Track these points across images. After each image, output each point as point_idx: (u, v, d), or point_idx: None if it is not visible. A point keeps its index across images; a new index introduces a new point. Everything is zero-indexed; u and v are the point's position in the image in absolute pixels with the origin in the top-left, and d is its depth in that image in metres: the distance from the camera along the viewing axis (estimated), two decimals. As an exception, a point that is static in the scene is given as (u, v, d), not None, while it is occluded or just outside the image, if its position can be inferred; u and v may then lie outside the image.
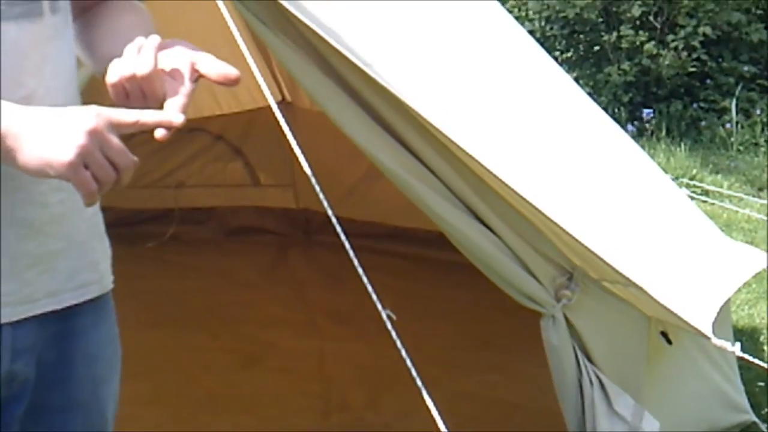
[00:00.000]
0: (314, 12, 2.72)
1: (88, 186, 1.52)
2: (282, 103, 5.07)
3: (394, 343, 2.58)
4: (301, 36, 2.74)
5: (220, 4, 2.64)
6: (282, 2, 2.69)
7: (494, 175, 2.72)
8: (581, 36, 8.50)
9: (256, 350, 4.15)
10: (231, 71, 1.64)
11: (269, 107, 4.84)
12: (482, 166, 2.71)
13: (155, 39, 1.63)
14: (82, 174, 1.51)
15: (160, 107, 1.62)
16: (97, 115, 1.53)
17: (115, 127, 1.54)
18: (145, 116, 1.56)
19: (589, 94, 7.56)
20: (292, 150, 2.69)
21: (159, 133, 1.57)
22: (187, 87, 1.63)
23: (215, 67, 1.64)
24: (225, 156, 5.39)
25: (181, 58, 1.64)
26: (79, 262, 1.77)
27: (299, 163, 2.72)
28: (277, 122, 2.74)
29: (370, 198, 4.96)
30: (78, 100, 1.79)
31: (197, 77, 1.65)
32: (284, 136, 2.75)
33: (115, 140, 1.53)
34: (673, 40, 8.35)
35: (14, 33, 1.66)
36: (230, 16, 2.67)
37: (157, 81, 1.62)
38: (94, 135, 1.52)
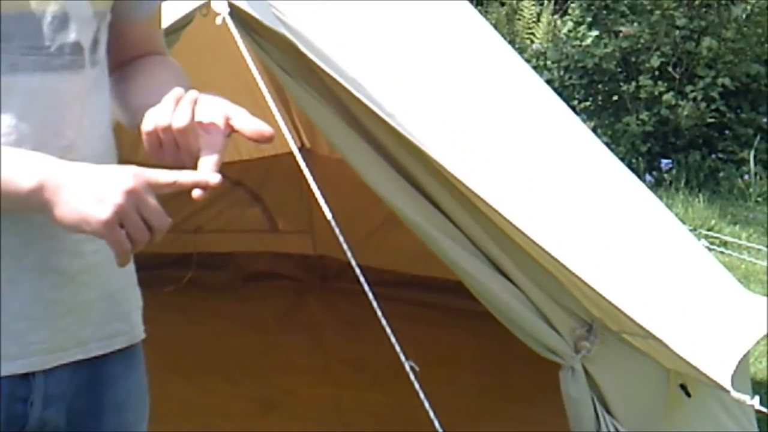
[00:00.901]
0: (337, 62, 2.76)
1: (122, 245, 1.55)
2: (301, 150, 5.10)
3: (412, 391, 2.59)
4: (323, 85, 2.78)
5: (245, 53, 2.68)
6: (305, 52, 2.73)
7: (515, 227, 2.75)
8: (600, 86, 8.54)
9: (274, 396, 4.16)
10: (265, 129, 1.66)
11: (288, 153, 4.89)
12: (503, 217, 2.74)
13: (193, 93, 1.65)
14: (117, 233, 1.55)
15: (193, 159, 1.64)
16: (135, 175, 1.56)
17: (153, 187, 1.57)
18: (182, 177, 1.59)
19: (607, 143, 7.59)
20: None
21: (196, 194, 1.60)
22: (221, 142, 1.65)
23: (249, 124, 1.66)
24: (243, 201, 5.42)
25: (216, 112, 1.66)
26: (111, 312, 1.79)
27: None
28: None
29: (387, 246, 4.98)
30: (115, 152, 1.82)
31: (231, 132, 1.66)
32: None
33: (151, 201, 1.56)
34: (692, 91, 8.39)
35: (56, 84, 1.69)
36: (253, 64, 2.71)
37: (192, 134, 1.63)
38: (132, 195, 1.55)
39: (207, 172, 1.61)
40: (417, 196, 2.85)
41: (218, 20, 2.65)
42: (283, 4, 2.78)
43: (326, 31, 2.83)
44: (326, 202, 2.74)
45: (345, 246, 2.70)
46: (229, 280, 5.37)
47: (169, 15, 2.60)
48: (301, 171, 4.32)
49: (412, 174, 2.83)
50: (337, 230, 2.73)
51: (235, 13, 2.67)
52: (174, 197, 1.62)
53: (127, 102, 1.82)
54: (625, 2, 8.51)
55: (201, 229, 5.31)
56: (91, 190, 1.55)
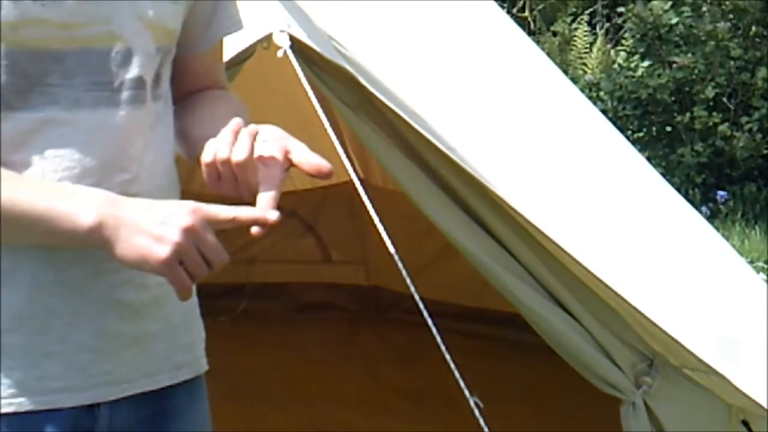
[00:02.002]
0: (397, 94, 2.77)
1: (182, 282, 1.58)
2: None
3: (468, 424, 2.59)
4: (383, 118, 2.79)
5: (305, 85, 2.70)
6: (365, 85, 2.75)
7: (575, 260, 2.74)
8: (654, 116, 8.52)
9: (328, 428, 4.17)
10: (324, 164, 1.66)
11: (343, 184, 4.92)
12: (563, 250, 2.74)
13: (253, 126, 1.66)
14: (177, 271, 1.57)
15: (251, 193, 1.64)
16: (193, 212, 1.58)
17: (211, 223, 1.58)
18: (241, 213, 1.59)
19: (662, 174, 7.55)
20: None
21: (254, 230, 1.60)
22: (280, 177, 1.65)
23: (309, 159, 1.66)
24: (297, 232, 5.45)
25: (275, 146, 1.67)
26: (176, 343, 1.81)
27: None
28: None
29: (441, 277, 4.98)
30: (177, 185, 1.84)
31: (289, 167, 1.67)
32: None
33: (210, 238, 1.58)
34: (747, 122, 8.35)
35: (119, 119, 1.71)
36: (314, 96, 2.73)
37: (250, 168, 1.64)
38: (190, 233, 1.57)
39: (265, 208, 1.62)
40: (476, 228, 2.86)
41: (279, 53, 2.68)
42: (344, 37, 2.81)
43: (386, 64, 2.85)
44: (379, 233, 2.76)
45: (405, 274, 2.71)
46: (282, 311, 5.39)
47: (231, 48, 2.63)
48: (355, 202, 4.33)
49: (471, 206, 2.84)
50: (397, 258, 2.73)
51: (296, 46, 2.69)
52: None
53: (186, 134, 1.84)
54: (679, 33, 8.49)
55: (255, 259, 5.34)
56: (150, 229, 1.57)
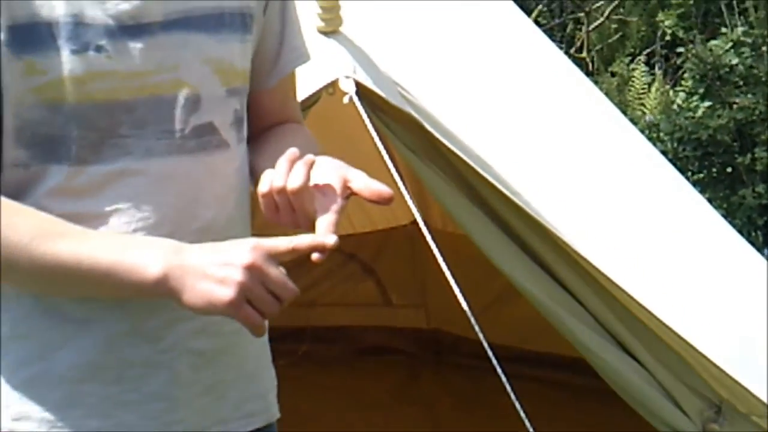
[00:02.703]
0: (462, 139, 2.80)
1: (252, 321, 1.58)
2: (414, 224, 5.15)
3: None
4: (448, 163, 2.82)
5: (371, 131, 2.73)
6: (430, 130, 2.78)
7: (641, 305, 2.75)
8: (714, 158, 8.48)
9: (388, 473, 4.18)
10: (384, 189, 1.65)
11: (401, 227, 4.94)
12: (629, 295, 2.74)
13: (309, 156, 1.65)
14: (246, 310, 1.57)
15: (309, 222, 1.64)
16: (254, 249, 1.57)
17: (272, 256, 1.58)
18: (300, 241, 1.59)
19: (724, 216, 7.51)
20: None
21: (315, 257, 1.60)
22: (338, 204, 1.64)
23: (368, 185, 1.66)
24: (357, 275, 5.47)
25: (332, 174, 1.66)
26: (248, 391, 1.82)
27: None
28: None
29: (502, 321, 4.97)
30: (249, 227, 1.84)
31: (349, 194, 1.66)
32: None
33: (274, 272, 1.57)
34: (808, 163, 8.30)
35: (191, 166, 1.72)
36: (379, 141, 2.76)
37: (307, 196, 1.63)
38: (253, 271, 1.56)
39: (323, 234, 1.61)
40: (539, 272, 2.87)
41: (345, 99, 2.71)
42: (409, 83, 2.84)
43: (450, 108, 2.88)
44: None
45: (471, 317, 2.72)
46: (342, 354, 5.41)
47: (297, 93, 2.67)
48: (414, 244, 4.35)
49: (534, 250, 2.85)
50: (462, 300, 2.75)
51: (362, 91, 2.73)
52: (287, 271, 1.63)
53: (255, 169, 1.84)
54: (739, 73, 8.46)
55: (315, 302, 5.37)
56: (213, 272, 1.57)
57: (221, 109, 1.76)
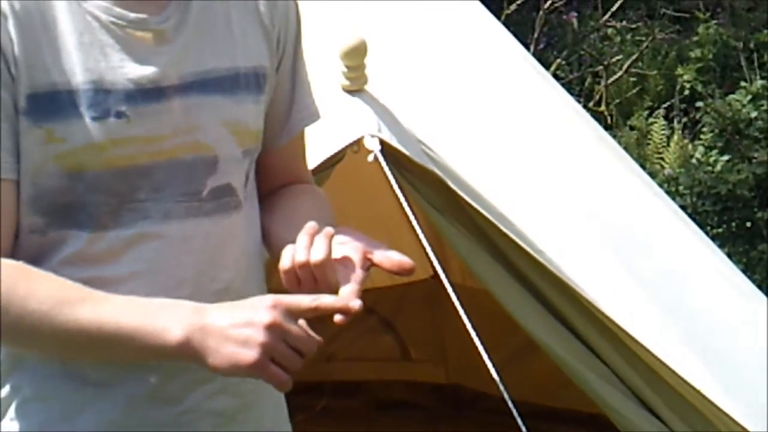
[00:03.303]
0: (485, 197, 2.86)
1: (277, 378, 1.60)
2: (433, 278, 5.19)
3: None
4: (471, 220, 2.87)
5: (396, 188, 2.79)
6: (454, 188, 2.83)
7: (663, 363, 2.79)
8: (734, 212, 8.52)
9: None
10: (405, 261, 1.68)
11: (420, 282, 4.97)
12: (651, 354, 2.78)
13: (329, 229, 1.67)
14: (270, 369, 1.59)
15: (332, 293, 1.65)
16: (274, 307, 1.60)
17: (294, 313, 1.60)
18: (323, 301, 1.61)
19: (743, 271, 7.52)
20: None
21: (338, 318, 1.62)
22: (359, 275, 1.66)
23: (389, 257, 1.69)
24: (376, 329, 5.50)
25: (352, 246, 1.69)
26: None
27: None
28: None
29: (521, 376, 4.99)
30: (265, 285, 1.87)
31: (369, 266, 1.69)
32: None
33: (294, 329, 1.60)
34: (829, 218, 8.32)
35: (210, 228, 1.75)
36: (403, 198, 2.82)
37: (329, 269, 1.65)
38: (274, 329, 1.59)
39: (348, 297, 1.63)
40: (560, 328, 2.91)
41: (370, 157, 2.77)
42: (432, 141, 2.90)
43: (474, 167, 2.93)
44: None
45: (493, 371, 2.76)
46: (361, 409, 5.42)
47: (322, 152, 2.73)
48: (434, 299, 4.39)
49: (556, 306, 2.90)
50: (483, 353, 2.78)
51: (386, 150, 2.78)
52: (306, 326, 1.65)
53: (270, 235, 1.86)
54: (758, 127, 8.51)
55: (333, 357, 5.40)
56: (236, 334, 1.59)
57: (237, 170, 1.79)
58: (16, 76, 1.66)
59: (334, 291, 1.66)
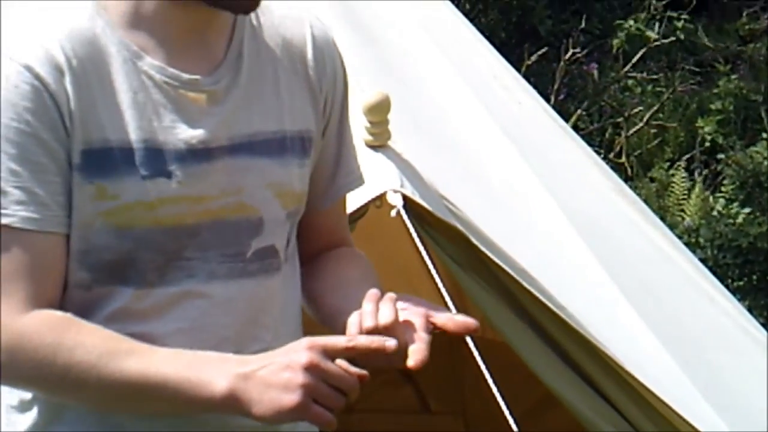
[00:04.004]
0: (507, 252, 2.90)
1: (322, 418, 1.63)
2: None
3: None
4: (492, 275, 2.92)
5: (418, 243, 2.84)
6: (476, 243, 2.88)
7: (684, 419, 2.82)
8: (755, 265, 8.53)
9: None
10: (470, 321, 1.72)
11: (440, 333, 4.99)
12: (674, 411, 2.81)
13: (392, 294, 1.71)
14: (314, 410, 1.62)
15: (401, 358, 1.68)
16: (310, 349, 1.63)
17: (330, 353, 1.63)
18: (359, 341, 1.65)
19: (763, 324, 7.53)
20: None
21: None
22: (424, 337, 1.69)
23: (453, 319, 1.72)
24: (395, 381, 5.51)
25: (414, 311, 1.72)
26: None
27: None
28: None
29: (539, 430, 5.03)
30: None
31: (432, 329, 1.71)
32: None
33: (333, 368, 1.63)
34: None
35: (253, 289, 1.79)
36: (426, 254, 2.87)
37: (398, 332, 1.68)
38: (313, 370, 1.62)
39: (384, 336, 1.65)
40: (581, 384, 2.95)
41: (393, 213, 2.81)
42: (454, 197, 2.95)
43: (495, 222, 2.98)
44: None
45: (513, 424, 2.79)
46: (380, 461, 5.44)
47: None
48: (453, 351, 4.42)
49: (576, 361, 2.94)
50: (503, 406, 2.81)
51: (409, 205, 2.83)
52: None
53: (317, 299, 1.89)
54: (779, 179, 8.55)
55: (352, 409, 5.42)
56: (276, 380, 1.62)
57: (281, 232, 1.83)
58: (71, 132, 1.71)
59: (402, 355, 1.68)
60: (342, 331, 1.75)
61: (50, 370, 1.68)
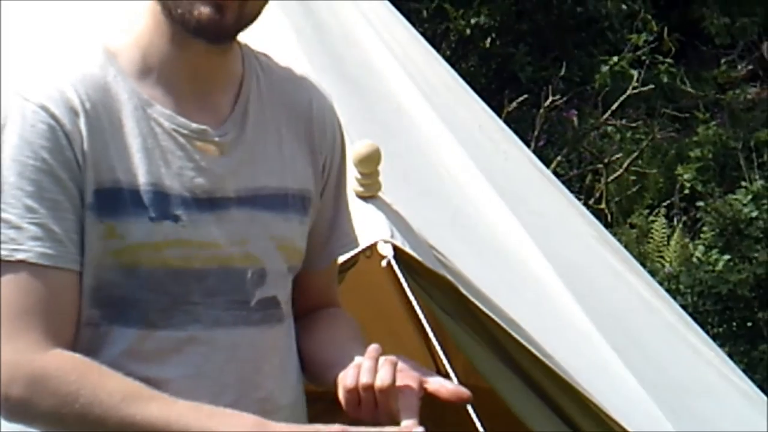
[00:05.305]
0: (496, 302, 2.96)
1: None
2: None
3: None
4: (481, 325, 2.97)
5: (409, 294, 2.89)
6: (465, 293, 2.93)
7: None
8: (734, 312, 8.59)
9: None
10: (462, 390, 1.77)
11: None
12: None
13: (392, 357, 1.77)
14: None
15: (390, 419, 1.73)
16: (341, 427, 1.68)
17: None
18: None
19: (744, 371, 7.58)
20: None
21: None
22: (416, 404, 1.74)
23: (445, 386, 1.77)
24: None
25: (409, 375, 1.77)
26: None
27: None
28: (434, 395, 2.92)
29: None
30: (304, 401, 1.96)
31: (423, 394, 1.77)
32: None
33: None
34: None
35: (255, 337, 1.85)
36: (416, 303, 2.92)
37: (392, 396, 1.73)
38: None
39: (411, 425, 1.70)
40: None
41: (383, 263, 2.86)
42: (443, 247, 3.00)
43: (484, 272, 3.04)
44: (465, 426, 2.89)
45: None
46: None
47: (337, 257, 2.82)
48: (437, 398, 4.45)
49: (565, 411, 2.99)
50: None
51: (399, 255, 2.89)
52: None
53: (309, 356, 1.95)
54: (758, 227, 8.62)
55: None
56: None
57: (283, 284, 1.90)
58: (84, 171, 1.77)
59: (393, 418, 1.73)
60: (333, 385, 1.81)
61: (71, 409, 1.72)
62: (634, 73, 8.68)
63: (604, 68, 8.68)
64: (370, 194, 2.98)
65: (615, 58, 8.68)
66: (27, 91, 1.79)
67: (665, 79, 8.91)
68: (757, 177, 8.83)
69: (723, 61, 9.59)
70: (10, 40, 3.10)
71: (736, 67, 9.64)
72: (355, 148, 2.92)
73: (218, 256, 1.83)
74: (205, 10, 1.78)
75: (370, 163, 2.95)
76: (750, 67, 9.70)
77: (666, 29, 9.06)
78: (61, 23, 3.25)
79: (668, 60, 8.89)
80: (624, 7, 9.28)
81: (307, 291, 2.00)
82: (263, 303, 1.87)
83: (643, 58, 8.71)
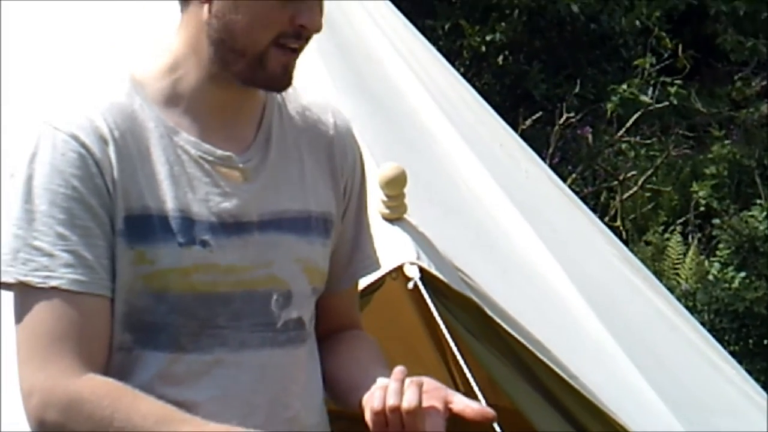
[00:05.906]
0: (521, 323, 2.98)
1: None
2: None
3: None
4: (506, 346, 2.99)
5: (436, 315, 2.91)
6: (490, 314, 2.96)
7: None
8: (751, 330, 8.58)
9: None
10: (487, 410, 1.79)
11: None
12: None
13: (419, 378, 1.79)
14: None
15: None
16: None
17: None
18: None
19: (763, 387, 7.58)
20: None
21: None
22: (442, 425, 1.77)
23: (470, 406, 1.79)
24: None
25: (435, 396, 1.79)
26: None
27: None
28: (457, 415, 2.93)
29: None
30: (327, 420, 1.98)
31: (449, 415, 1.78)
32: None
33: None
34: None
35: (282, 358, 1.88)
36: (443, 324, 2.93)
37: (419, 417, 1.75)
38: None
39: None
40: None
41: (410, 285, 2.88)
42: (468, 268, 3.02)
43: (508, 293, 3.06)
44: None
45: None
46: None
47: (363, 279, 2.84)
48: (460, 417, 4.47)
49: (590, 431, 3.01)
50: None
51: (425, 277, 2.91)
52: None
53: (333, 378, 1.97)
54: (774, 244, 8.61)
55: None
56: None
57: (307, 306, 1.93)
58: (114, 198, 1.81)
59: None
60: (357, 406, 1.84)
61: None
62: (645, 98, 8.69)
63: (614, 98, 8.67)
64: (396, 216, 3.00)
65: (624, 86, 8.68)
66: (57, 120, 1.83)
67: (675, 102, 8.92)
68: (772, 193, 8.81)
69: (737, 77, 9.59)
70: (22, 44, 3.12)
71: (750, 84, 9.64)
72: (381, 171, 2.94)
73: (243, 279, 1.86)
74: (276, 70, 1.84)
75: (396, 185, 2.97)
76: (764, 83, 9.69)
77: (681, 46, 9.07)
78: (88, 47, 3.28)
79: (677, 81, 8.89)
80: (638, 23, 9.28)
81: (329, 313, 2.03)
82: (289, 324, 1.90)
83: (652, 82, 8.72)
